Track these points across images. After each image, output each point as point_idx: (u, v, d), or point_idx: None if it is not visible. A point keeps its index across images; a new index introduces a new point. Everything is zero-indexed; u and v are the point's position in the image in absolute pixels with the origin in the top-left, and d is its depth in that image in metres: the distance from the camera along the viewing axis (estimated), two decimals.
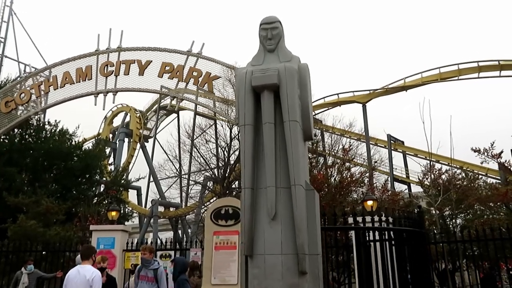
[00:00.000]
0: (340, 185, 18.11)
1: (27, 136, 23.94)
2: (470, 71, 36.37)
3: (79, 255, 6.59)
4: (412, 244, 7.16)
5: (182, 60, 6.16)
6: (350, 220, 7.63)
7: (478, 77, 36.31)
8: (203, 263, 10.83)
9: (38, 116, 20.85)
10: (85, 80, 6.63)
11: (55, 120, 26.40)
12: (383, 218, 7.14)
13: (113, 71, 6.46)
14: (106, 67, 6.55)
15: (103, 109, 6.44)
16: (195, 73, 6.04)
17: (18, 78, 7.22)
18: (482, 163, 19.99)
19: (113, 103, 6.55)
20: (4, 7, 46.78)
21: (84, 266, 5.92)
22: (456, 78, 37.19)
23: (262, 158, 5.39)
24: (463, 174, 21.77)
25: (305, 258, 5.05)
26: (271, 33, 5.88)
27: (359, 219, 6.83)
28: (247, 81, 5.49)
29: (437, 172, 20.43)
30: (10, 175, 20.15)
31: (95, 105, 6.55)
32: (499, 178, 26.62)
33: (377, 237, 7.07)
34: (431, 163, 17.82)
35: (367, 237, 6.99)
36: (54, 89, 6.65)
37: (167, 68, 6.18)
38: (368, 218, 7.00)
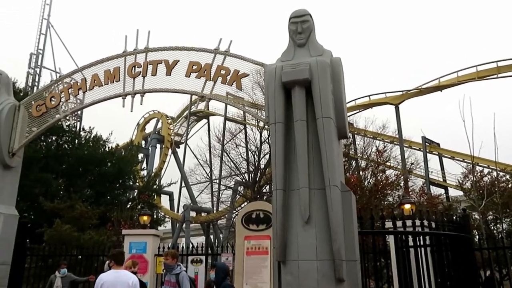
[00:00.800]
0: (375, 188, 17.44)
1: (62, 143, 24.63)
2: (510, 69, 34.66)
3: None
4: (457, 250, 6.64)
5: (210, 59, 6.01)
6: (388, 224, 7.20)
7: None
8: (234, 268, 10.59)
9: (71, 121, 21.37)
10: (113, 82, 6.60)
11: (90, 127, 27.10)
12: (425, 222, 6.68)
13: (140, 72, 6.40)
14: (133, 68, 6.49)
15: (131, 111, 6.41)
16: (223, 71, 5.87)
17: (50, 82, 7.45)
18: None
19: (141, 104, 6.55)
20: (42, 20, 48.69)
21: (119, 271, 5.78)
22: (495, 76, 35.54)
23: (294, 157, 5.10)
24: (507, 176, 20.56)
25: (342, 265, 4.71)
26: (301, 26, 5.61)
27: (399, 223, 6.39)
28: (276, 77, 5.23)
29: (479, 174, 19.37)
30: (46, 180, 20.71)
31: (123, 106, 6.52)
32: None
33: (418, 242, 6.61)
34: (473, 165, 16.89)
35: (407, 242, 6.52)
36: (83, 92, 6.68)
37: (194, 67, 6.05)
38: (408, 222, 6.55)
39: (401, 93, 38.49)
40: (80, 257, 14.13)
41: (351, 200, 5.07)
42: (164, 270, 9.16)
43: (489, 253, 9.37)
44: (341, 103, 5.25)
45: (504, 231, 18.31)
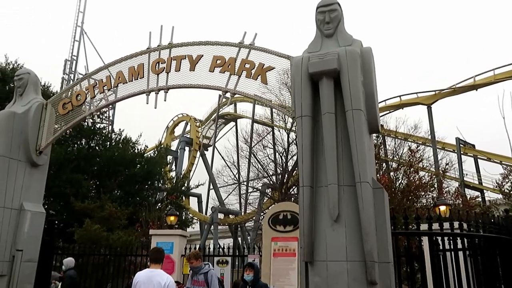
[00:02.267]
0: (408, 189, 16.77)
1: (94, 145, 25.13)
2: None
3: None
4: (501, 253, 6.17)
5: (234, 53, 5.82)
6: (423, 227, 6.78)
7: None
8: (261, 270, 10.39)
9: (96, 119, 21.58)
10: (137, 79, 6.54)
11: (119, 129, 27.55)
12: (465, 225, 6.23)
13: (164, 68, 6.28)
14: (157, 64, 6.39)
15: (155, 107, 6.30)
16: (247, 65, 5.66)
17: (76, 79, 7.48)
18: None
19: (165, 101, 6.46)
20: (76, 27, 50.22)
21: (154, 270, 5.48)
22: None
23: (322, 152, 4.82)
24: None
25: (374, 266, 4.39)
26: (329, 16, 5.34)
27: (435, 225, 5.99)
28: (303, 68, 4.98)
29: None
30: (77, 181, 21.14)
31: (147, 103, 6.42)
32: None
33: (456, 245, 6.17)
34: None
35: (445, 245, 6.10)
36: (108, 89, 6.64)
37: (218, 61, 5.87)
38: (446, 225, 6.13)
39: (433, 93, 37.28)
40: (109, 256, 14.25)
41: (384, 197, 4.74)
42: (191, 271, 9.05)
43: None
44: (372, 96, 4.94)
45: None
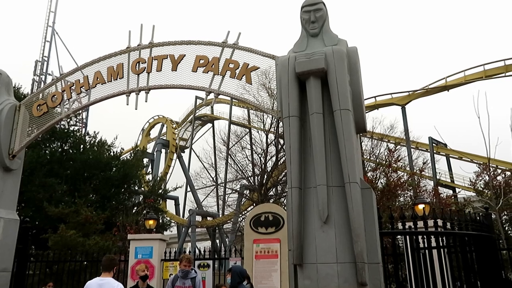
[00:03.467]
0: (388, 188, 17.01)
1: (67, 148, 24.44)
2: None
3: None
4: (482, 251, 6.27)
5: (217, 52, 5.69)
6: (406, 225, 6.82)
7: None
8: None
9: (72, 121, 21.05)
10: (116, 79, 6.30)
11: (94, 132, 26.90)
12: (441, 223, 6.31)
13: (145, 68, 6.09)
14: (137, 64, 6.18)
15: (135, 109, 6.10)
16: (231, 65, 5.54)
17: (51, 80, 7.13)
18: None
19: (146, 102, 6.27)
20: (46, 27, 48.80)
21: (104, 279, 5.53)
22: (503, 75, 35.10)
23: (310, 153, 4.76)
24: None
25: (365, 268, 4.36)
26: (314, 15, 5.29)
27: (420, 223, 6.03)
28: (290, 68, 4.90)
29: (492, 173, 18.91)
30: (51, 186, 20.48)
31: (127, 104, 6.21)
32: None
33: (440, 243, 6.25)
34: (487, 163, 16.46)
35: (431, 243, 6.15)
36: (86, 90, 6.37)
37: (201, 61, 5.73)
38: (430, 223, 6.19)
39: (407, 93, 38.06)
40: (85, 262, 13.85)
41: (372, 198, 4.72)
42: (171, 275, 8.81)
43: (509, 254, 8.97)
44: (359, 95, 4.92)
45: None
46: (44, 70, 47.50)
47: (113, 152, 26.13)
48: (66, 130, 24.35)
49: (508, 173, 21.19)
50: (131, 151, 30.98)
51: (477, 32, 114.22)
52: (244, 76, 5.72)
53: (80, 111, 23.33)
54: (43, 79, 46.78)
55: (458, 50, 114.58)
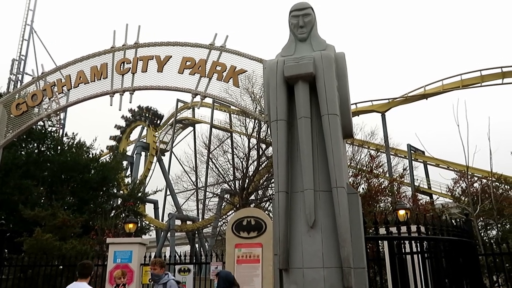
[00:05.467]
0: (369, 194, 17.25)
1: (44, 149, 23.86)
2: (493, 77, 35.33)
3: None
4: (463, 256, 6.39)
5: (204, 54, 5.66)
6: (382, 231, 6.90)
7: (502, 83, 35.18)
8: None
9: (54, 121, 20.65)
10: (100, 79, 6.18)
11: (73, 133, 26.36)
12: (422, 229, 6.41)
13: (129, 68, 6.00)
14: (122, 64, 6.09)
15: (119, 109, 6.02)
16: (218, 68, 5.52)
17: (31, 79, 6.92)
18: None
19: (130, 103, 6.22)
20: (25, 26, 47.73)
21: (79, 284, 5.50)
22: (479, 84, 36.13)
23: (298, 157, 4.76)
24: (497, 183, 20.64)
25: (351, 272, 4.36)
26: (302, 20, 5.31)
27: (403, 228, 6.10)
28: (278, 71, 4.90)
29: (470, 180, 19.38)
30: (26, 188, 19.94)
31: (111, 105, 6.09)
32: None
33: (422, 249, 6.33)
34: (466, 169, 16.86)
35: (412, 249, 6.22)
36: (68, 89, 6.23)
37: (188, 63, 5.68)
38: (412, 228, 6.26)
39: (387, 101, 38.72)
40: (61, 267, 13.51)
41: (358, 203, 4.74)
42: (151, 281, 8.67)
43: (487, 259, 9.17)
44: (346, 101, 4.94)
45: (494, 237, 18.28)
46: (21, 69, 46.38)
47: (92, 154, 25.66)
48: (43, 131, 23.77)
49: (484, 180, 21.78)
50: (110, 153, 30.50)
51: (455, 43, 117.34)
52: (232, 79, 5.69)
53: (58, 112, 22.87)
54: (19, 78, 45.64)
55: (437, 60, 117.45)
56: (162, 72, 6.21)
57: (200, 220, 38.97)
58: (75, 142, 25.30)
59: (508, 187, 20.76)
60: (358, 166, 22.93)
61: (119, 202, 27.09)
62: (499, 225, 18.65)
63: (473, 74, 35.77)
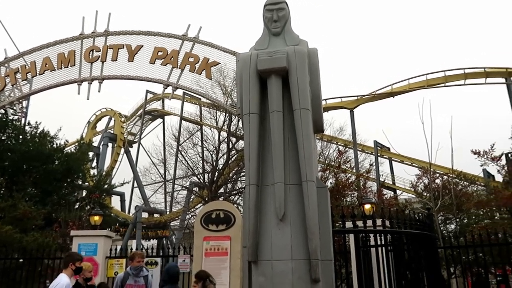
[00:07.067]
0: (336, 188, 17.61)
1: (5, 138, 22.87)
2: (456, 78, 36.69)
3: None
4: (425, 248, 6.64)
5: (177, 45, 5.59)
6: (349, 224, 7.09)
7: (464, 84, 36.62)
8: (192, 270, 10.20)
9: (17, 108, 19.81)
10: (67, 67, 5.98)
11: (36, 122, 25.32)
12: (387, 222, 6.62)
13: (99, 56, 5.83)
14: (91, 52, 5.91)
15: (88, 99, 5.86)
16: (191, 59, 5.46)
17: None
18: (482, 165, 19.86)
19: (99, 92, 6.03)
20: None
21: (59, 275, 5.44)
22: (443, 84, 37.44)
23: (269, 151, 4.80)
24: (457, 179, 21.56)
25: (318, 264, 4.45)
26: (277, 14, 5.33)
27: (369, 222, 6.28)
28: (252, 64, 4.90)
29: (432, 176, 20.14)
30: None
31: (79, 94, 5.90)
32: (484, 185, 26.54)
33: (386, 241, 6.54)
34: (429, 166, 17.48)
35: (377, 241, 6.41)
36: (32, 76, 5.97)
37: (160, 53, 5.58)
38: (378, 222, 6.45)
39: (356, 98, 39.52)
40: (22, 260, 13.08)
41: (327, 197, 4.84)
42: (117, 273, 8.52)
43: (445, 252, 9.58)
44: (318, 96, 5.02)
45: (452, 231, 19.11)
46: None
47: (56, 144, 24.82)
48: (4, 119, 22.78)
49: (445, 177, 22.68)
50: (76, 144, 29.57)
51: (422, 43, 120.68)
52: (204, 70, 5.65)
53: (21, 99, 21.88)
54: None
55: (404, 59, 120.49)
56: (133, 61, 6.10)
57: (168, 213, 38.59)
58: (38, 132, 24.35)
59: (467, 184, 21.76)
60: (326, 161, 23.33)
61: (84, 194, 26.39)
62: (457, 220, 19.51)
63: (438, 75, 37.04)
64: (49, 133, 24.89)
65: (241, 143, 22.93)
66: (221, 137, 24.17)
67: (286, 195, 4.64)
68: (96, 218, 13.61)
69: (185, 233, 31.73)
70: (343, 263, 7.97)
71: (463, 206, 18.26)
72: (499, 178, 24.49)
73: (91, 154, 36.80)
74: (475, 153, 18.04)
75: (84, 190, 26.95)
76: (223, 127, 23.91)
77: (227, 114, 22.96)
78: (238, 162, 23.56)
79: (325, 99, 40.26)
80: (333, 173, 20.11)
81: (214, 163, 24.08)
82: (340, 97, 40.00)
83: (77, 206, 22.78)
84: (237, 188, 24.80)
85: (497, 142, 19.01)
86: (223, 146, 24.17)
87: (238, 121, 21.43)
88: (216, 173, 23.75)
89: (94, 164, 41.66)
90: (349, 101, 39.32)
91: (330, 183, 19.24)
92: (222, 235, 10.26)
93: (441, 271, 7.58)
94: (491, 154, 17.80)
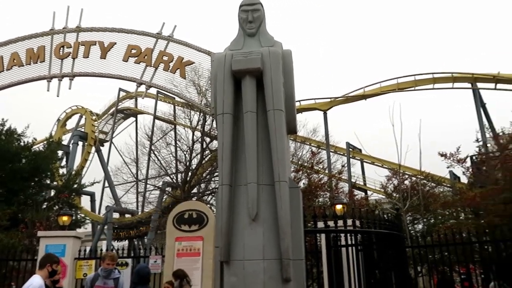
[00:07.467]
0: (309, 188, 17.80)
1: None
2: (425, 82, 37.76)
3: None
4: (393, 248, 6.82)
5: (151, 43, 5.51)
6: (321, 224, 7.20)
7: (433, 88, 37.73)
8: (164, 271, 10.11)
9: None
10: (36, 63, 5.79)
11: (2, 119, 24.39)
12: (357, 222, 6.76)
13: (70, 53, 5.69)
14: (62, 48, 5.75)
15: (57, 96, 5.69)
16: (165, 58, 5.40)
17: None
18: (448, 167, 20.58)
19: (69, 89, 5.87)
20: None
21: (33, 276, 5.30)
22: (413, 88, 38.46)
23: (242, 151, 4.82)
24: (425, 181, 22.21)
25: (290, 264, 4.50)
26: (252, 15, 5.36)
27: (340, 222, 6.39)
28: (226, 65, 4.92)
29: (401, 178, 20.68)
30: None
31: (48, 90, 5.74)
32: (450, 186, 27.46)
33: (356, 241, 6.68)
34: (398, 167, 17.95)
35: (347, 241, 6.55)
36: None
37: (133, 51, 5.50)
38: (348, 222, 6.58)
39: (329, 100, 40.07)
40: None
41: (299, 197, 4.90)
42: (85, 275, 8.33)
43: (412, 252, 9.86)
44: (292, 97, 5.07)
45: (419, 231, 19.67)
46: None
47: (24, 142, 24.01)
48: None
49: (414, 178, 23.34)
50: (44, 142, 28.69)
51: (393, 47, 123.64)
52: (178, 70, 5.61)
53: None
54: None
55: (376, 63, 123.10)
56: (105, 59, 6.00)
57: (139, 213, 38.00)
58: (4, 129, 23.49)
59: (434, 185, 22.47)
60: (300, 162, 23.55)
61: (53, 193, 25.64)
62: (425, 220, 20.11)
63: (408, 78, 38.01)
64: (16, 130, 24.06)
65: (215, 143, 22.85)
66: (195, 137, 24.04)
67: (259, 195, 4.67)
68: (65, 218, 13.27)
69: (157, 234, 31.35)
70: (315, 262, 8.12)
71: (430, 206, 18.87)
72: (464, 179, 25.45)
73: (60, 152, 35.78)
74: (442, 155, 18.66)
75: (52, 190, 26.19)
76: (197, 127, 23.77)
77: (201, 114, 22.84)
78: (212, 162, 23.47)
79: (299, 101, 40.66)
80: (306, 174, 20.35)
81: (188, 163, 23.90)
82: (314, 99, 40.49)
83: (45, 206, 22.12)
84: (211, 188, 24.69)
85: (463, 145, 19.77)
86: (197, 146, 24.02)
87: (212, 121, 21.37)
88: (190, 173, 23.57)
89: (64, 163, 40.54)
90: (323, 103, 39.83)
91: (303, 183, 19.48)
92: (195, 236, 10.21)
93: (408, 270, 7.81)
94: (457, 157, 18.46)
